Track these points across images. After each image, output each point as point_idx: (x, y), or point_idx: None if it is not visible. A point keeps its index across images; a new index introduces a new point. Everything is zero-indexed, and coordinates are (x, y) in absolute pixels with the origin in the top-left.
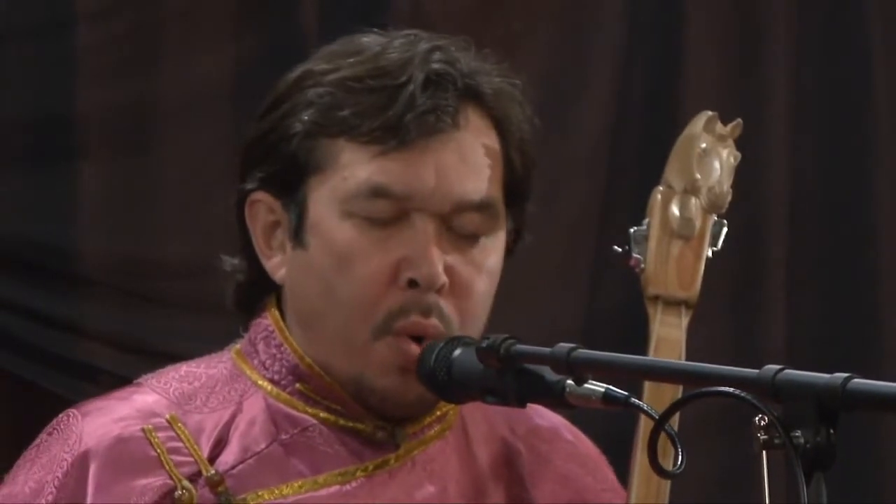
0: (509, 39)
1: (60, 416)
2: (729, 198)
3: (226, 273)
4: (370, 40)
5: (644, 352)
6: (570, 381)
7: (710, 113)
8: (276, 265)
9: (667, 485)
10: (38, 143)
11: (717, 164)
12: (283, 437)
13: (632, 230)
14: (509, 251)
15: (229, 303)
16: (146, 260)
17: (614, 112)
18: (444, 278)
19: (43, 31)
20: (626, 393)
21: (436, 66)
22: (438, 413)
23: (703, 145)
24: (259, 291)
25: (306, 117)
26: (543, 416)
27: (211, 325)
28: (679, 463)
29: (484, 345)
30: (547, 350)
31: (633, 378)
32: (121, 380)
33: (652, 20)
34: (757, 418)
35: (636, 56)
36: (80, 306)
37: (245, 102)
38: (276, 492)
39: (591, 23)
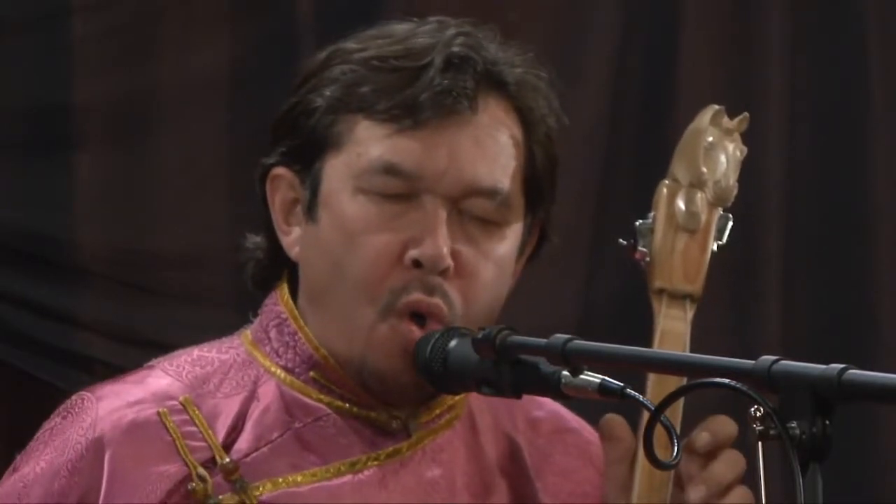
0: (504, 30)
1: (74, 398)
2: (735, 192)
3: (247, 250)
4: (405, 26)
5: (642, 342)
6: (565, 373)
7: (716, 107)
8: (293, 242)
9: (669, 476)
10: (35, 133)
11: (723, 158)
12: (297, 425)
13: (637, 223)
14: (534, 254)
15: (247, 280)
16: (142, 250)
17: (610, 102)
18: (448, 260)
19: (40, 20)
20: (621, 384)
21: (457, 49)
22: (449, 402)
23: (710, 139)
24: (276, 271)
25: (328, 93)
26: (542, 406)
27: (207, 315)
28: (676, 454)
29: (480, 335)
30: (543, 341)
31: (629, 369)
32: (116, 370)
33: (647, 10)
34: (753, 409)
35: (631, 47)
36: (76, 296)
37: (242, 93)
38: (290, 479)
39: (586, 13)
